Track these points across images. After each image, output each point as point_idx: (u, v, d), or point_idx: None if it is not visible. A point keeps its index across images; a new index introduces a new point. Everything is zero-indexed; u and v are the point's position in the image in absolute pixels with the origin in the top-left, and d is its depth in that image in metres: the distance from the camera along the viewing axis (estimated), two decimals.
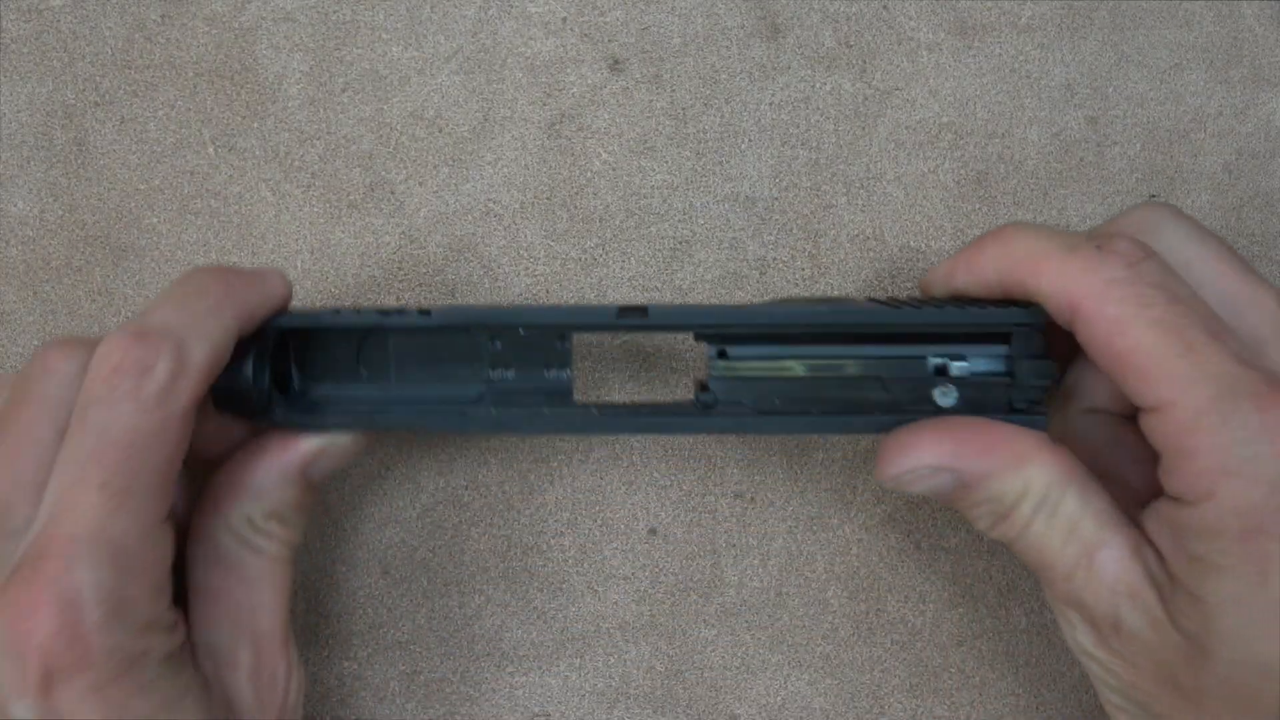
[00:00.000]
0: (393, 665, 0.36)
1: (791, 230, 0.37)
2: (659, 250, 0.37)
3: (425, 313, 0.30)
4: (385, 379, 0.32)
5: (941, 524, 0.37)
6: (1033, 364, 0.31)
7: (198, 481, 0.31)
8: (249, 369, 0.30)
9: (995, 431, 0.29)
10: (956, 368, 0.32)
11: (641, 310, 0.30)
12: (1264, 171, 0.38)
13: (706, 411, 0.31)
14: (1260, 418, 0.24)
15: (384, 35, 0.37)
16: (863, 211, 0.37)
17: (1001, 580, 0.37)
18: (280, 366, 0.31)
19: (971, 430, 0.29)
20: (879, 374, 0.32)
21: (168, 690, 0.27)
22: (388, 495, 0.36)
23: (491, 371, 0.32)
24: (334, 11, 0.37)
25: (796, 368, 0.32)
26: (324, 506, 0.36)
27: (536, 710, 0.37)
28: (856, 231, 0.37)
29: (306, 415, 0.31)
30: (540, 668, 0.37)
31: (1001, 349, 0.31)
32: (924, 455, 0.29)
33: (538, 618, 0.37)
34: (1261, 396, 0.24)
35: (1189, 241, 0.29)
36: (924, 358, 0.32)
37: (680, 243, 0.37)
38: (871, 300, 0.33)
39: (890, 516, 0.37)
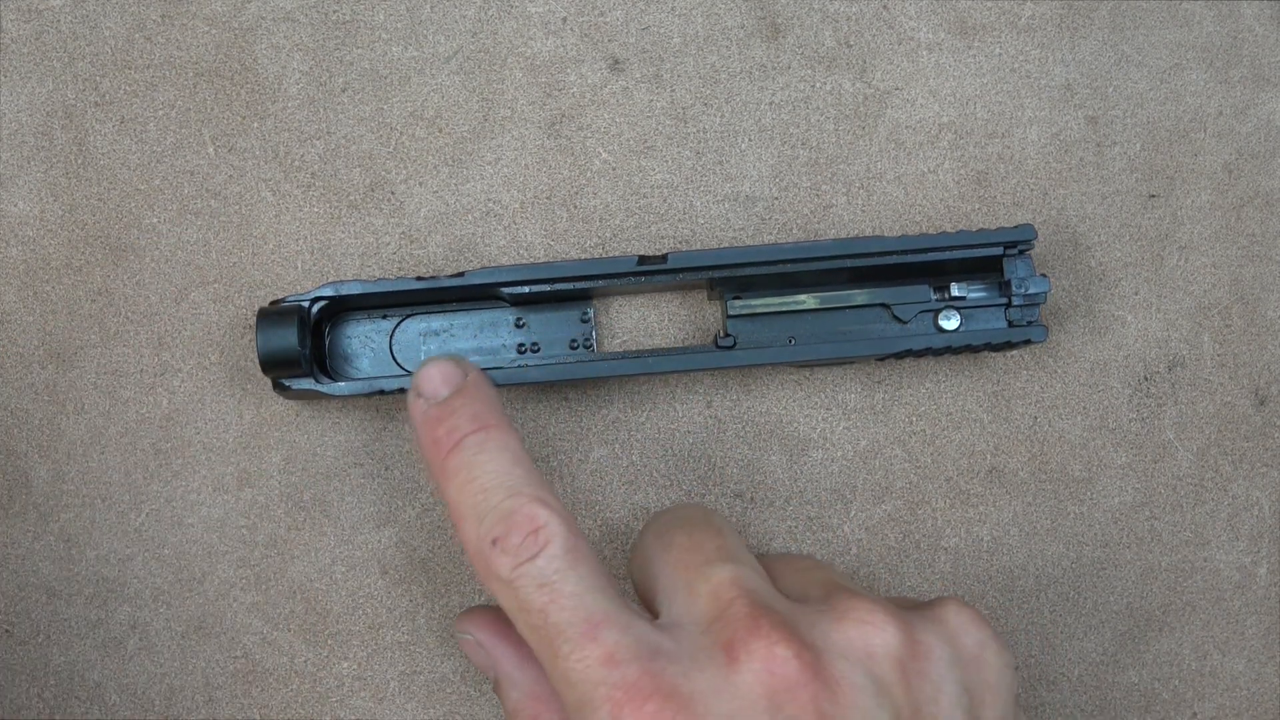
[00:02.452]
0: (392, 665, 0.36)
1: (791, 230, 0.37)
2: (659, 250, 0.37)
3: (459, 275, 0.34)
4: (418, 362, 0.35)
5: (941, 524, 0.37)
6: (1025, 281, 0.34)
7: None
8: (294, 335, 0.33)
9: None
10: (957, 288, 0.35)
11: (661, 258, 0.34)
12: (1264, 171, 0.38)
13: (727, 349, 0.34)
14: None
15: (384, 35, 0.37)
16: (862, 212, 0.37)
17: (1000, 580, 0.37)
18: (319, 347, 0.34)
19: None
20: (885, 301, 0.35)
21: None
22: (386, 495, 0.36)
23: (519, 349, 0.35)
24: (334, 11, 0.37)
25: (809, 300, 0.35)
26: (323, 506, 0.36)
27: None
28: (856, 232, 0.37)
29: (345, 382, 0.34)
30: None
31: (995, 277, 0.34)
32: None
33: None
34: (615, 701, 0.25)
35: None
36: (926, 286, 0.35)
37: (680, 243, 0.37)
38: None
39: (890, 516, 0.37)
